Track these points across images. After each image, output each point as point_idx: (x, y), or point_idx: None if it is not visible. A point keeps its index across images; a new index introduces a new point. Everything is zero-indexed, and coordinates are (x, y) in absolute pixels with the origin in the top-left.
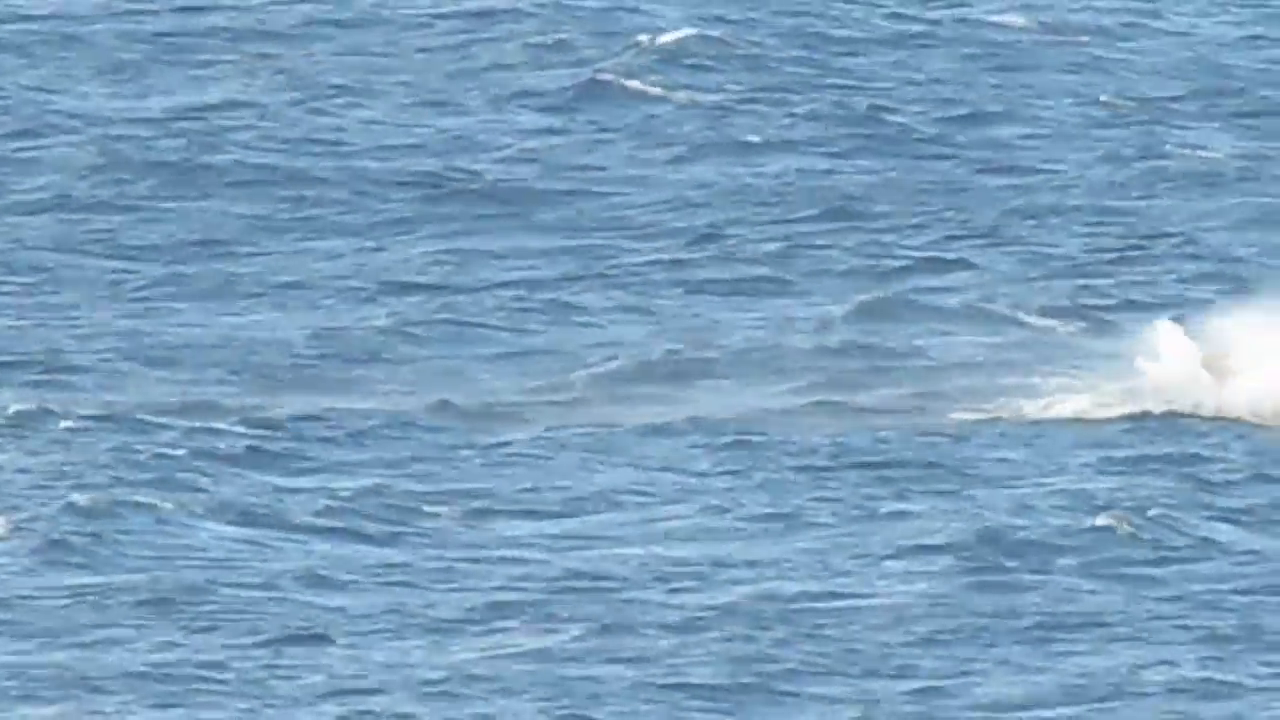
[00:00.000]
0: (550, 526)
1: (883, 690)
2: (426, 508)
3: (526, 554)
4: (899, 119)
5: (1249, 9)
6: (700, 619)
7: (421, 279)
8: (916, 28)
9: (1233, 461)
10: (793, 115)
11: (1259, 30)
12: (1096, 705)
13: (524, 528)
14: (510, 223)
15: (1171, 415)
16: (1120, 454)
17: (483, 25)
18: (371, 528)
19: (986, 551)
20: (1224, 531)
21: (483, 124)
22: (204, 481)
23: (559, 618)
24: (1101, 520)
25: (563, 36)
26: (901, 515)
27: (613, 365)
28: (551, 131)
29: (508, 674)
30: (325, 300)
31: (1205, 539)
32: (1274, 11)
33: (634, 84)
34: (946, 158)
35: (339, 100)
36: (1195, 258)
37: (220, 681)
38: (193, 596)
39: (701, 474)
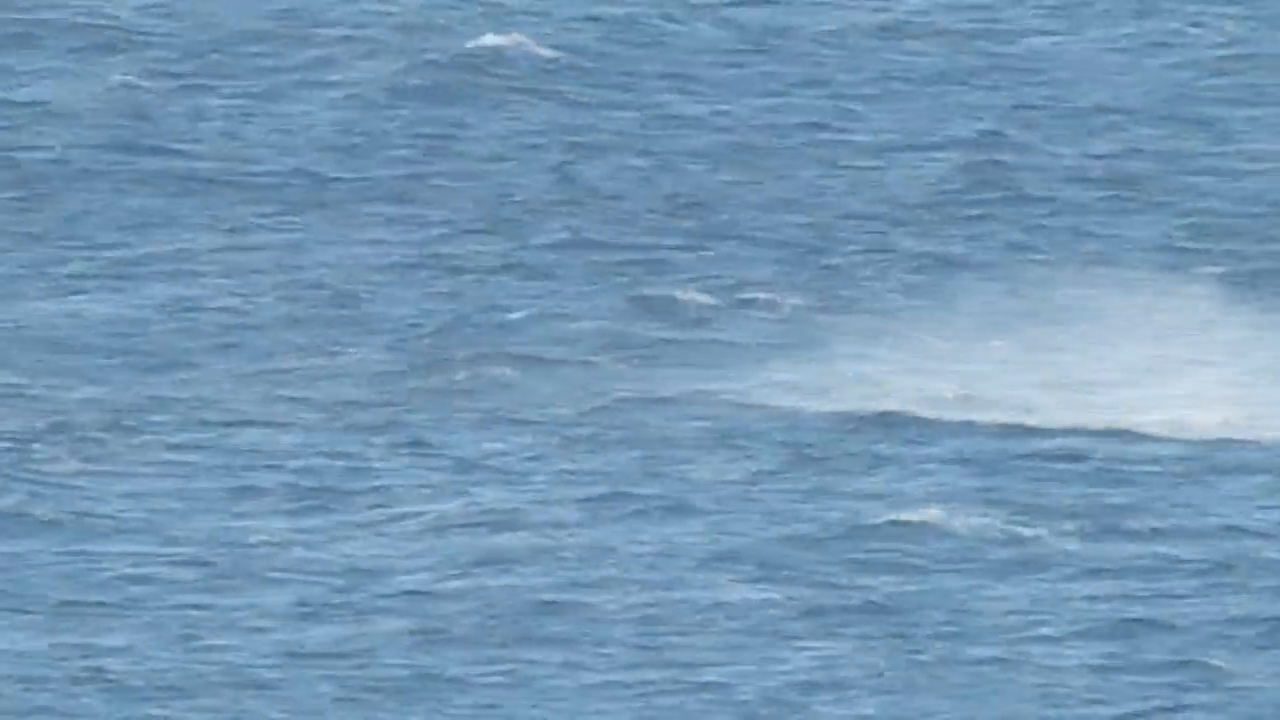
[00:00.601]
0: (350, 521)
1: (667, 679)
2: (243, 505)
3: (333, 550)
4: (731, 122)
5: (1114, 20)
6: (499, 613)
7: (258, 270)
8: (760, 38)
9: (1072, 468)
10: (619, 118)
11: (1128, 39)
12: (901, 696)
13: (331, 522)
14: (339, 216)
15: (1009, 421)
16: (966, 452)
17: (318, 24)
18: (178, 528)
19: (824, 546)
20: (1058, 534)
21: (313, 119)
22: (28, 482)
23: (364, 612)
24: (931, 517)
25: (398, 34)
26: (736, 508)
27: (429, 357)
28: (382, 125)
29: (310, 674)
30: (158, 293)
31: (1037, 539)
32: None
33: (468, 83)
34: (778, 159)
35: (178, 95)
36: (1043, 264)
37: (36, 680)
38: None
39: (508, 462)
